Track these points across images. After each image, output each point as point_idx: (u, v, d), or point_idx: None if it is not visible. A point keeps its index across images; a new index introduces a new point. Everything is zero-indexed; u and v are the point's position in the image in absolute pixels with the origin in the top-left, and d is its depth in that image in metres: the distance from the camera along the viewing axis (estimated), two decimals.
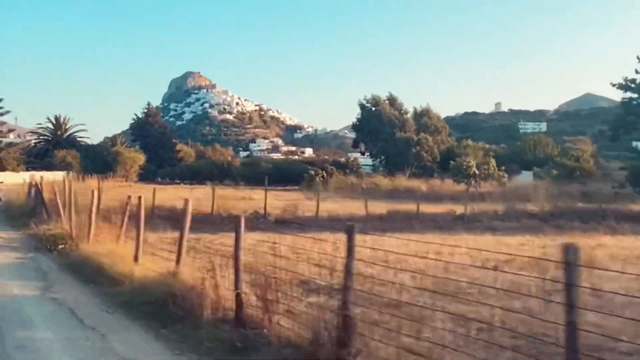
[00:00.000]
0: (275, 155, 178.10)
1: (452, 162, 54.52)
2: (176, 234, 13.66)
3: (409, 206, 29.15)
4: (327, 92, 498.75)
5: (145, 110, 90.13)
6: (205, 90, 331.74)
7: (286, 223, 25.42)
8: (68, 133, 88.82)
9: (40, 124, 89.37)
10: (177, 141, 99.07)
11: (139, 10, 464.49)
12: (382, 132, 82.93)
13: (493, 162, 54.81)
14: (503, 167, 55.08)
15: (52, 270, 12.93)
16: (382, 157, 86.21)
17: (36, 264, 13.61)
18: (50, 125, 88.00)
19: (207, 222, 24.40)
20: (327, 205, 34.67)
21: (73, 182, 43.84)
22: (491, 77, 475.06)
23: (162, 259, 11.53)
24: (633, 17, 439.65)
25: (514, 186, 47.84)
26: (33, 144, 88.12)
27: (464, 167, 50.25)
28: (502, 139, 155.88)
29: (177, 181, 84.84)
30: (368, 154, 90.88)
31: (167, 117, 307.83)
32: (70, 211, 18.48)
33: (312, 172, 72.64)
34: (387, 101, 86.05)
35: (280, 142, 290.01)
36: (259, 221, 25.58)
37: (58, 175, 67.45)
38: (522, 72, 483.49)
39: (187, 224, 10.68)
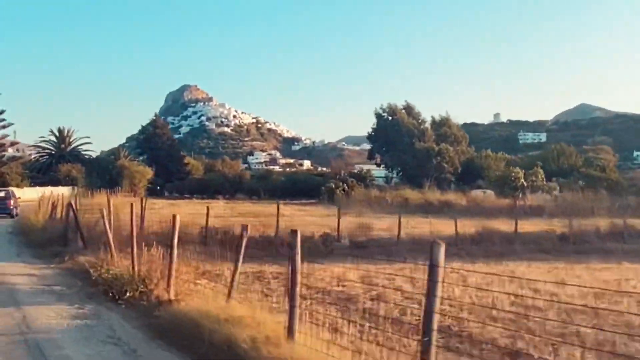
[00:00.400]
0: (273, 168, 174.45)
1: (497, 172, 50.19)
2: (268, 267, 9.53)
3: (492, 224, 24.69)
4: (324, 104, 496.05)
5: (153, 122, 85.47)
6: (202, 104, 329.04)
7: (364, 248, 21.00)
8: (72, 146, 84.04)
9: (43, 137, 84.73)
10: (184, 154, 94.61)
11: (135, 24, 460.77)
12: (400, 142, 78.75)
13: (541, 172, 50.45)
14: (554, 179, 50.74)
15: (138, 342, 8.36)
16: (399, 168, 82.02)
17: (108, 329, 9.02)
18: (54, 138, 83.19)
19: (272, 247, 19.96)
20: (379, 223, 30.38)
21: (80, 198, 39.44)
22: (490, 88, 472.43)
23: (319, 326, 7.18)
24: (629, 28, 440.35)
25: (569, 199, 43.31)
26: (35, 158, 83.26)
27: (512, 178, 45.81)
28: (502, 149, 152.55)
29: (187, 195, 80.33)
30: (383, 165, 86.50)
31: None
32: (110, 236, 14.15)
33: (333, 185, 68.27)
34: (403, 110, 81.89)
35: (278, 154, 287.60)
36: (331, 245, 21.11)
37: (64, 190, 63.04)
38: (520, 83, 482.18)
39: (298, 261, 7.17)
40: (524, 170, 48.68)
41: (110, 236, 14.66)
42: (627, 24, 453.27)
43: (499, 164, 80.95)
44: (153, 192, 77.98)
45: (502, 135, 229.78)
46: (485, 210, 43.88)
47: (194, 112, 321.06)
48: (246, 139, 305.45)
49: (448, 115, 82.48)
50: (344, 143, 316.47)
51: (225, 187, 79.86)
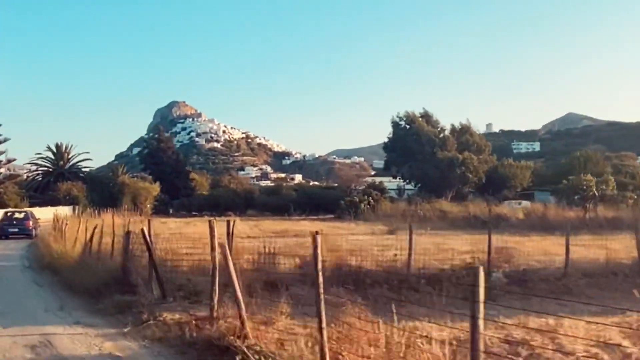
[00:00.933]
0: (264, 183, 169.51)
1: (564, 180, 44.66)
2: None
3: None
4: (312, 117, 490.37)
5: (156, 136, 79.34)
6: (191, 119, 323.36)
7: (523, 283, 15.29)
8: (71, 163, 77.59)
9: (39, 153, 78.11)
10: (189, 169, 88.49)
11: (121, 42, 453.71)
12: (421, 152, 73.32)
13: (612, 180, 45.10)
14: (631, 187, 45.34)
15: None
16: (419, 179, 76.53)
17: None
18: (50, 155, 76.65)
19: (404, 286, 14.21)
20: (451, 242, 24.97)
21: (83, 219, 33.56)
22: (481, 98, 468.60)
23: None
24: (614, 37, 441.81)
25: None
26: (31, 177, 76.68)
27: (583, 186, 40.33)
28: (497, 159, 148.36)
29: (195, 213, 74.38)
30: (400, 176, 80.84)
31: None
32: (236, 282, 8.51)
33: (356, 199, 62.71)
34: (421, 118, 76.56)
35: (269, 169, 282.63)
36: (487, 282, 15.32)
37: (66, 211, 56.91)
38: (510, 93, 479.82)
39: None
40: (595, 178, 43.21)
41: (236, 282, 8.85)
42: (613, 34, 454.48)
43: (525, 173, 75.91)
44: (159, 210, 72.08)
45: (496, 146, 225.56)
46: (553, 223, 38.54)
47: (183, 128, 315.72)
48: (236, 154, 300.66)
49: (469, 123, 77.28)
50: (334, 156, 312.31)
51: (236, 203, 74.03)
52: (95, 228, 18.30)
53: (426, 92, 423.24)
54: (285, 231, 37.78)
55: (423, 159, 73.40)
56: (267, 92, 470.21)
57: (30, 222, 35.76)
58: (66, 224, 24.23)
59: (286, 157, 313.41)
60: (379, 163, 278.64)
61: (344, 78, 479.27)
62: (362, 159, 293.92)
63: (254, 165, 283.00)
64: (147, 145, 79.87)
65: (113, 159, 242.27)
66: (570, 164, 76.98)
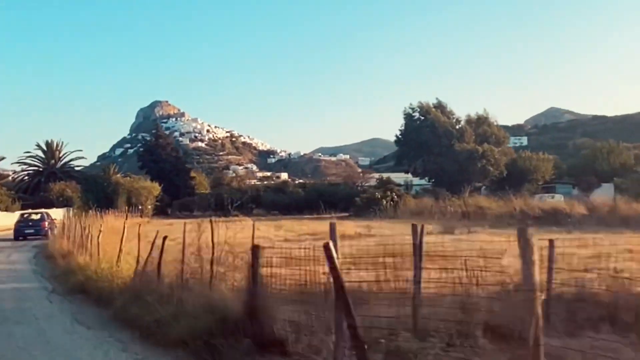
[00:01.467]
0: (252, 181, 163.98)
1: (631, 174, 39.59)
2: None
3: None
4: (295, 116, 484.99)
5: (154, 131, 72.98)
6: (174, 119, 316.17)
7: None
8: (62, 162, 70.94)
9: (28, 151, 71.20)
10: (190, 167, 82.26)
11: (102, 41, 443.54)
12: (437, 144, 68.17)
13: None
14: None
15: None
16: (434, 174, 71.28)
17: None
18: (41, 153, 69.91)
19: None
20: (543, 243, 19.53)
21: (87, 221, 27.80)
22: (466, 92, 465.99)
23: None
24: (595, 33, 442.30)
25: None
26: (20, 177, 69.83)
27: None
28: None
29: (197, 214, 68.41)
30: (411, 171, 75.67)
31: (136, 147, 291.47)
32: None
33: (378, 195, 57.30)
34: (436, 109, 71.34)
35: (254, 167, 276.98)
36: None
37: (60, 213, 50.79)
38: (495, 88, 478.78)
39: None
40: None
41: None
42: (594, 30, 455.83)
43: (547, 166, 71.16)
44: (159, 211, 66.06)
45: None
46: (626, 220, 33.57)
47: (167, 128, 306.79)
48: (221, 153, 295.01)
49: (486, 113, 72.10)
50: (319, 154, 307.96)
51: (243, 202, 68.19)
52: (156, 237, 12.61)
53: (409, 89, 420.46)
54: (319, 233, 32.15)
55: (439, 152, 68.33)
56: (250, 90, 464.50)
57: (46, 223, 36.25)
58: (99, 231, 18.47)
59: (271, 156, 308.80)
60: (364, 160, 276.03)
61: (328, 76, 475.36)
62: (348, 157, 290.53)
63: (239, 165, 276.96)
64: (144, 142, 73.43)
65: (95, 160, 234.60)
66: (593, 155, 72.40)
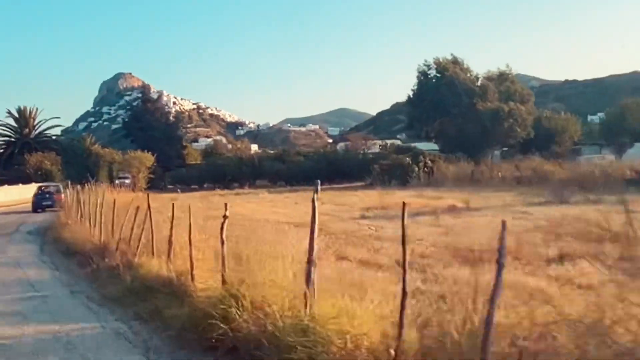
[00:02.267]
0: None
1: None
2: None
3: None
4: (264, 86, 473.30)
5: (140, 95, 63.66)
6: (138, 92, 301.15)
7: None
8: (37, 131, 61.19)
9: None
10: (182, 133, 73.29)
11: (62, 13, 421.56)
12: (457, 104, 60.69)
13: None
14: None
15: None
16: (452, 137, 63.73)
17: None
18: (12, 122, 60.00)
19: None
20: None
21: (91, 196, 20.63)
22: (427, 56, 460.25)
23: None
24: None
25: None
26: None
27: None
28: None
29: (194, 187, 60.13)
30: (424, 134, 67.98)
31: (100, 121, 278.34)
32: None
33: (408, 161, 49.90)
34: (455, 65, 63.73)
35: (223, 140, 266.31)
36: None
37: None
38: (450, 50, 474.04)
39: None
40: None
41: None
42: None
43: (575, 127, 64.76)
44: (152, 184, 57.57)
45: None
46: None
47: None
48: (189, 125, 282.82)
49: (509, 69, 64.62)
50: (288, 124, 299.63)
51: (243, 172, 60.13)
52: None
53: (375, 58, 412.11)
54: (390, 206, 24.51)
55: (459, 112, 60.97)
56: (216, 62, 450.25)
57: (62, 195, 34.81)
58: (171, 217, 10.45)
59: (240, 127, 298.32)
60: (334, 130, 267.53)
61: (294, 45, 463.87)
62: (317, 127, 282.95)
63: (207, 137, 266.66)
64: (130, 107, 64.09)
65: (60, 133, 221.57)
66: (622, 114, 65.93)
